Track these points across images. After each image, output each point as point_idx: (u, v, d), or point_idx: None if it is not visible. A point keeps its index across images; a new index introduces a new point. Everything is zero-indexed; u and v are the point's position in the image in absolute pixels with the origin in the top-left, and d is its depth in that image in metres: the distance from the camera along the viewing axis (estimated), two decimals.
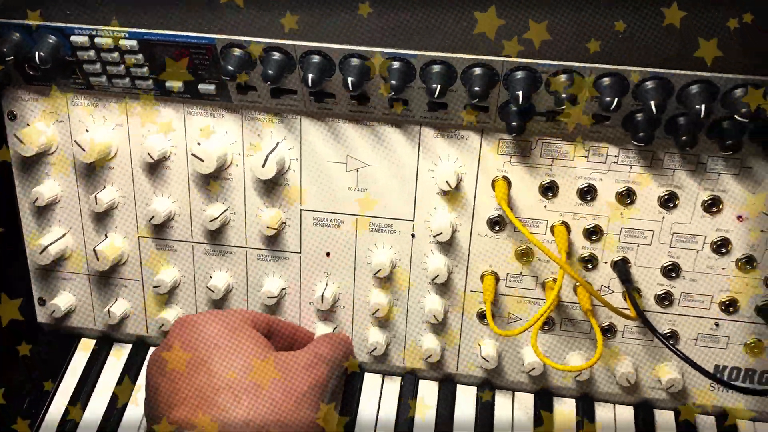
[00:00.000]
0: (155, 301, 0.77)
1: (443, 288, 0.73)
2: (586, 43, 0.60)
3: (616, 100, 0.58)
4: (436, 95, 0.59)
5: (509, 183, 0.68)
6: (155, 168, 0.72)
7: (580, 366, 0.67)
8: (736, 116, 0.57)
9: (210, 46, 0.62)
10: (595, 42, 0.59)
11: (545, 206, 0.68)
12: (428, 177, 0.69)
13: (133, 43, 0.63)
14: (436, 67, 0.60)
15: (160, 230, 0.74)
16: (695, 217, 0.66)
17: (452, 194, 0.69)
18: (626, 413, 0.74)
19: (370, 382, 0.77)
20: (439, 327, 0.74)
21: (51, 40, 0.64)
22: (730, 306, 0.69)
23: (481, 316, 0.73)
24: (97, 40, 0.64)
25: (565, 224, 0.68)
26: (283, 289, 0.74)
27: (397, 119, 0.67)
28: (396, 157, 0.68)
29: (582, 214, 0.68)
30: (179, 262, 0.75)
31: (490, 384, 0.76)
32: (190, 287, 0.76)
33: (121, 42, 0.63)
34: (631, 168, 0.66)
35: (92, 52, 0.65)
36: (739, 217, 0.66)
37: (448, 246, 0.71)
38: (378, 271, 0.71)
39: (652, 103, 0.57)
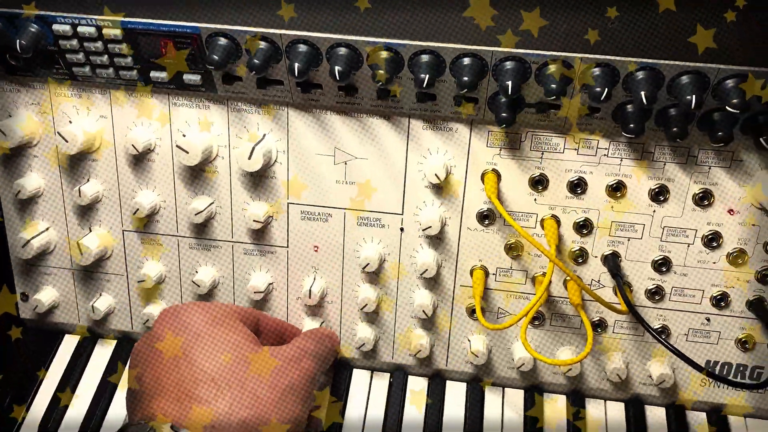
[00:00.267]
0: (140, 296, 0.76)
1: (432, 283, 0.72)
2: (578, 34, 0.59)
3: (606, 90, 0.57)
4: (424, 85, 0.58)
5: (499, 176, 0.67)
6: (140, 160, 0.70)
7: (570, 360, 0.66)
8: (727, 107, 0.56)
9: (195, 35, 0.61)
10: (591, 32, 0.59)
11: (535, 199, 0.67)
12: (417, 170, 0.68)
13: (117, 32, 0.62)
14: (425, 57, 0.59)
15: (144, 224, 0.73)
16: (686, 211, 0.66)
17: (441, 187, 0.68)
18: (617, 409, 0.74)
19: (359, 378, 0.76)
20: (428, 322, 0.73)
21: (33, 29, 0.63)
22: (721, 300, 0.68)
23: (471, 311, 0.72)
24: (79, 29, 0.62)
25: (555, 218, 0.68)
26: (270, 283, 0.73)
27: (386, 111, 0.66)
28: (384, 149, 0.67)
29: (572, 208, 0.67)
30: (164, 256, 0.74)
31: (479, 380, 0.75)
32: (175, 282, 0.75)
33: (105, 31, 0.62)
34: (621, 161, 0.65)
35: (75, 41, 0.63)
36: (730, 211, 0.65)
37: (437, 240, 0.70)
38: (366, 266, 0.70)
39: (642, 93, 0.56)
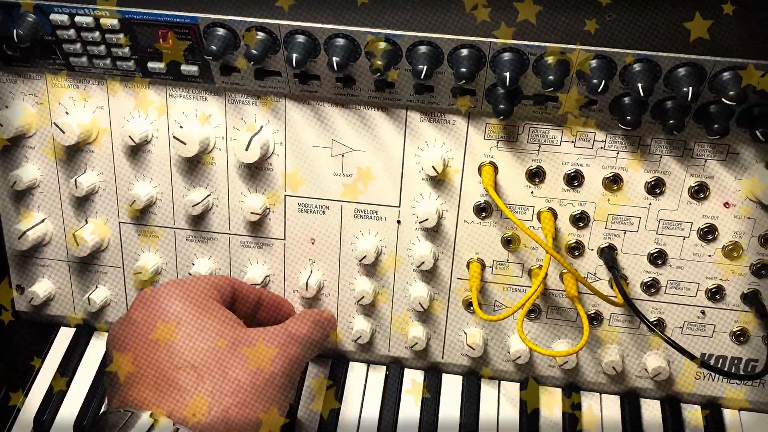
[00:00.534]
0: (136, 288, 0.76)
1: (429, 275, 0.72)
2: (576, 26, 0.59)
3: (603, 82, 0.57)
4: (422, 76, 0.58)
5: (496, 168, 0.67)
6: (137, 152, 0.70)
7: (566, 351, 0.66)
8: (723, 99, 0.56)
9: (193, 25, 0.61)
10: (589, 23, 0.59)
11: (532, 192, 0.67)
12: (414, 162, 0.68)
13: (114, 22, 0.62)
14: (423, 48, 0.59)
15: (141, 216, 0.73)
16: (682, 204, 0.66)
17: (439, 180, 0.68)
18: (613, 402, 0.74)
19: (355, 371, 0.76)
20: (424, 315, 0.73)
21: (30, 19, 0.62)
22: (716, 294, 0.69)
23: (467, 304, 0.72)
24: (77, 18, 0.62)
25: (552, 210, 0.68)
26: (267, 276, 0.73)
27: (383, 103, 0.66)
28: (382, 141, 0.68)
29: (569, 201, 0.67)
30: (161, 248, 0.74)
31: (476, 373, 0.75)
32: (172, 274, 0.75)
33: (102, 21, 0.62)
34: (618, 153, 0.65)
35: (72, 32, 0.63)
36: (726, 204, 0.66)
37: (434, 233, 0.70)
38: (363, 258, 0.70)
39: (640, 85, 0.57)
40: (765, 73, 0.56)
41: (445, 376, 0.76)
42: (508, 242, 0.69)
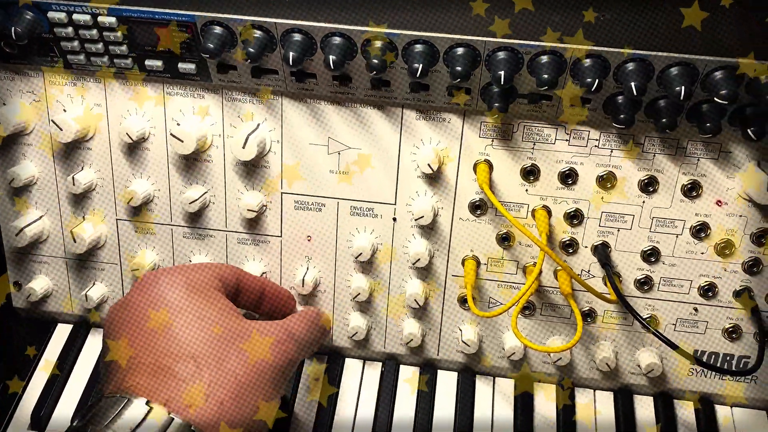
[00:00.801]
0: None
1: (424, 272, 0.72)
2: (571, 25, 0.60)
3: (597, 81, 0.58)
4: (418, 75, 0.59)
5: (491, 166, 0.68)
6: (134, 149, 0.71)
7: (560, 347, 0.67)
8: (715, 98, 0.57)
9: (191, 23, 0.62)
10: (585, 19, 0.59)
11: (526, 190, 0.68)
12: (410, 160, 0.68)
13: (112, 19, 0.62)
14: (419, 47, 0.60)
15: (138, 213, 0.73)
16: (675, 202, 0.67)
17: (434, 177, 0.69)
18: (606, 398, 0.75)
19: (351, 367, 0.76)
20: (420, 311, 0.74)
21: (28, 17, 0.63)
22: (708, 291, 0.69)
23: (462, 301, 0.73)
24: (75, 16, 0.63)
25: (546, 208, 0.68)
26: (263, 273, 0.74)
27: (379, 101, 0.66)
28: (378, 139, 0.68)
29: (563, 198, 0.68)
30: (158, 245, 0.74)
31: (471, 370, 0.76)
32: None
33: (100, 18, 0.62)
34: (611, 152, 0.66)
35: (70, 29, 0.64)
36: (718, 202, 0.66)
37: (429, 230, 0.71)
38: (359, 255, 0.70)
39: (633, 84, 0.57)
40: (757, 72, 0.57)
41: (440, 373, 0.76)
42: (503, 239, 0.70)
